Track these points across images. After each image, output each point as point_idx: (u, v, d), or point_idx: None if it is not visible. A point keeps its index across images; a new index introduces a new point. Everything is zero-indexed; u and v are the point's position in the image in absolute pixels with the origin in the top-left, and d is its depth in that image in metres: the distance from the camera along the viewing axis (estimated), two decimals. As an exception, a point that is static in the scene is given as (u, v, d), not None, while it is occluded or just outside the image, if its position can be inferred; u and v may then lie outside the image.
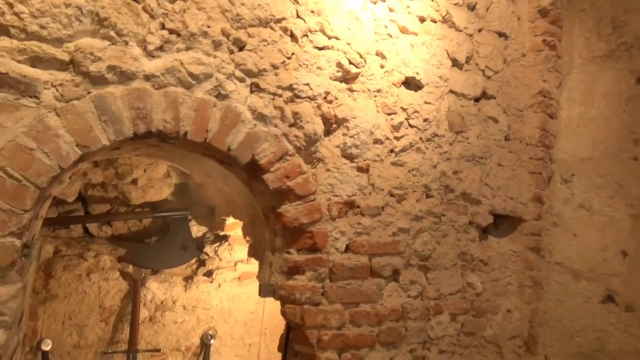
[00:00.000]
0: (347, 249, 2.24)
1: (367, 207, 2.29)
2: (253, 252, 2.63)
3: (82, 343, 3.02)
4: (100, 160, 3.24)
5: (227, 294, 3.35)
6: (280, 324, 3.56)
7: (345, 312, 2.23)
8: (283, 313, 2.20)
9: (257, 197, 2.33)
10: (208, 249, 3.45)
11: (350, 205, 2.26)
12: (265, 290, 2.24)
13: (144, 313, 3.16)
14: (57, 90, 1.72)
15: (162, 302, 3.21)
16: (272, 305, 3.49)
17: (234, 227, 3.29)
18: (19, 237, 1.70)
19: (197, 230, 3.56)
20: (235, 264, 3.43)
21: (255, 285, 3.45)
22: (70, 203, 3.34)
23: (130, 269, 3.20)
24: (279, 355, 3.56)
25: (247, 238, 2.77)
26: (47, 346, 2.85)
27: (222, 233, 3.41)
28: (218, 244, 3.46)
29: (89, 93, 1.75)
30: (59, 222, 3.20)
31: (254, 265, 3.44)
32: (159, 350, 3.13)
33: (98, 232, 3.45)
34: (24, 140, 1.68)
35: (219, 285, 3.34)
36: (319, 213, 2.18)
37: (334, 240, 2.21)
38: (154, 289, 3.19)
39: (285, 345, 2.31)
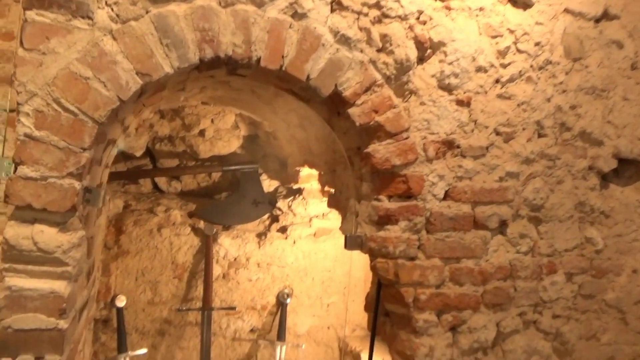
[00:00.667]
0: (447, 195, 1.92)
1: (468, 147, 1.95)
2: (334, 202, 2.35)
3: (156, 300, 2.92)
4: (166, 111, 3.06)
5: (303, 251, 3.13)
6: (360, 284, 3.33)
7: (444, 268, 1.93)
8: (373, 268, 1.93)
9: (340, 137, 2.03)
10: (281, 203, 3.23)
11: (449, 144, 1.92)
12: (352, 242, 1.96)
13: (217, 270, 3.01)
14: (112, 9, 1.50)
15: (235, 259, 3.04)
16: (352, 262, 3.24)
17: (308, 179, 3.03)
18: (78, 179, 1.51)
19: (268, 184, 3.34)
20: (310, 220, 3.19)
21: (332, 242, 3.22)
22: (138, 158, 3.21)
23: (201, 224, 3.05)
24: (360, 315, 3.35)
25: (326, 188, 2.50)
26: (121, 302, 2.77)
27: (295, 186, 3.17)
28: (291, 198, 3.22)
29: (147, 12, 1.54)
30: (127, 176, 3.07)
31: (330, 221, 3.18)
32: (234, 309, 2.98)
33: (167, 188, 3.32)
34: (79, 67, 1.47)
35: (294, 242, 3.12)
36: (413, 153, 1.86)
37: (431, 185, 1.89)
38: (227, 245, 3.02)
39: (375, 304, 2.04)
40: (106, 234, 2.81)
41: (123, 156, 3.16)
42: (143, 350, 2.86)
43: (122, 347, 2.75)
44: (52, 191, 1.48)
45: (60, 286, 1.52)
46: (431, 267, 1.91)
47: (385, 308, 2.03)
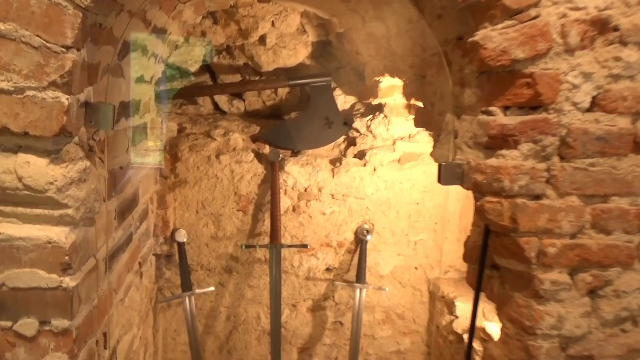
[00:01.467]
0: (594, 104, 1.31)
1: (632, 28, 1.27)
2: (423, 120, 1.79)
3: (219, 234, 2.63)
4: (218, 15, 2.57)
5: (385, 181, 2.63)
6: (454, 219, 2.79)
7: (585, 209, 1.35)
8: (480, 209, 1.40)
9: (433, 25, 1.43)
10: (358, 123, 2.70)
11: (602, 25, 1.27)
12: (449, 173, 1.43)
13: (285, 202, 2.62)
14: None
15: (306, 190, 2.62)
16: (446, 193, 2.69)
17: (390, 91, 2.45)
18: (65, 91, 1.09)
19: (343, 101, 2.81)
20: (393, 143, 2.65)
21: (420, 169, 2.68)
22: (196, 75, 2.80)
23: (265, 149, 2.63)
24: (454, 255, 2.84)
25: (413, 101, 1.93)
26: (182, 237, 2.50)
27: (375, 102, 2.60)
28: (371, 117, 2.68)
29: None
30: (183, 94, 2.69)
31: (418, 144, 2.62)
32: (306, 247, 2.61)
33: (229, 108, 2.91)
34: None
35: (374, 170, 2.62)
36: (545, 41, 1.26)
37: (570, 89, 1.30)
38: (295, 173, 2.59)
39: (482, 255, 1.52)
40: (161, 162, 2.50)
41: (180, 73, 2.77)
42: (210, 288, 2.62)
43: (186, 285, 2.52)
44: (33, 108, 1.09)
45: (60, 234, 1.17)
46: (565, 209, 1.33)
47: (495, 261, 1.50)
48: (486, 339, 2.25)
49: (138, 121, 1.89)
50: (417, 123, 1.87)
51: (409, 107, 2.53)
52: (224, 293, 2.72)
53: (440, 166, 1.43)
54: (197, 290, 2.58)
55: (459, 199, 2.71)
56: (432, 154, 1.63)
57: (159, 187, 2.45)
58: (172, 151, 2.51)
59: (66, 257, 1.17)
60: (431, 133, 1.69)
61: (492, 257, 1.57)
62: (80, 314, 1.26)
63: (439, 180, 1.44)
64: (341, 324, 2.84)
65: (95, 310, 1.39)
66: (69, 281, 1.19)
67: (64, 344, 1.22)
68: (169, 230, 2.50)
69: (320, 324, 2.83)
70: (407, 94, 1.98)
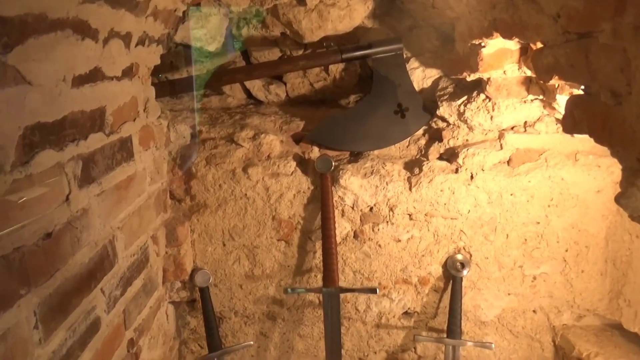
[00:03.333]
0: None
1: None
2: (587, 119, 0.94)
3: (256, 272, 1.94)
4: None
5: (488, 192, 1.79)
6: (595, 245, 1.87)
7: None
8: None
9: None
10: (445, 109, 1.86)
11: None
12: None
13: (344, 227, 1.87)
14: None
15: (371, 209, 1.85)
16: (585, 208, 1.81)
17: (499, 61, 1.55)
18: None
19: (422, 76, 1.98)
20: (500, 136, 1.78)
21: (542, 173, 1.77)
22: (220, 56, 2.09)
23: (313, 153, 1.88)
24: (593, 295, 1.93)
25: (556, 79, 1.08)
26: (205, 281, 1.84)
27: (472, 77, 1.72)
28: (465, 99, 1.82)
29: None
30: (207, 83, 1.98)
31: (537, 137, 1.74)
32: (375, 292, 1.84)
33: (266, 95, 2.17)
34: None
35: (471, 177, 1.78)
36: None
37: None
38: (356, 187, 1.82)
39: None
40: (171, 180, 1.82)
41: (200, 53, 2.07)
42: (249, 343, 1.96)
43: (214, 343, 1.87)
44: None
45: None
46: None
47: None
48: None
49: (101, 142, 1.20)
50: (570, 126, 1.01)
51: (532, 84, 1.64)
52: (268, 345, 2.05)
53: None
54: (232, 347, 1.93)
55: (604, 215, 1.81)
56: (620, 201, 0.79)
57: (170, 216, 1.79)
58: (184, 164, 1.83)
59: None
60: (607, 151, 0.85)
61: None
62: None
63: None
64: (427, 382, 2.09)
65: None
66: None
67: None
68: (186, 274, 1.84)
69: (398, 382, 2.10)
70: (544, 68, 1.11)
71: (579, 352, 1.83)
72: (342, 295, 1.90)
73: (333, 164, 1.80)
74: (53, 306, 0.98)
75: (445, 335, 1.87)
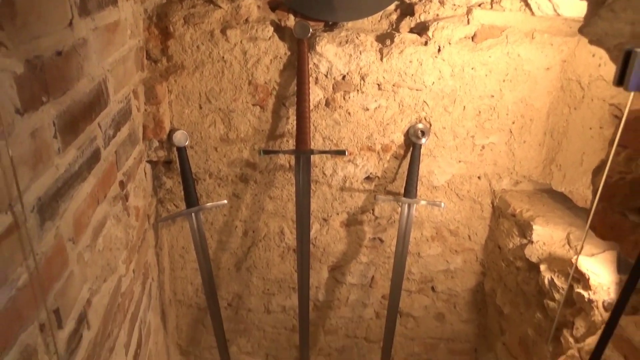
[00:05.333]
0: None
1: None
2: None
3: (231, 136, 2.04)
4: None
5: (452, 66, 1.93)
6: (539, 118, 2.09)
7: None
8: None
9: None
10: (417, -17, 1.93)
11: None
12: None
13: (316, 94, 1.98)
14: None
15: (344, 78, 1.96)
16: (533, 83, 2.00)
17: None
18: None
19: (396, -51, 2.01)
20: (468, 11, 1.89)
21: (502, 49, 1.91)
22: None
23: (290, 21, 1.92)
24: (531, 163, 2.20)
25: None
26: (182, 141, 1.93)
27: (445, -51, 1.80)
28: (436, -28, 1.90)
29: None
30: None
31: (502, 14, 1.87)
32: (344, 153, 2.02)
33: (239, -39, 2.13)
34: None
35: (439, 50, 1.91)
36: None
37: None
38: (331, 55, 1.90)
39: None
40: (147, 38, 1.83)
41: None
42: (222, 202, 2.10)
43: (190, 200, 2.00)
44: None
45: None
46: None
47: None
48: (578, 277, 1.74)
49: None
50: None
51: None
52: (240, 206, 2.21)
53: (629, 55, 0.75)
54: (206, 205, 2.07)
55: (550, 91, 2.02)
56: (585, 31, 0.94)
57: (147, 75, 1.82)
58: (161, 24, 1.82)
59: None
60: (561, 31, 0.98)
61: (637, 201, 0.98)
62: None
63: (623, 82, 0.78)
64: (381, 240, 2.35)
65: (25, 292, 0.86)
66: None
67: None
68: (165, 132, 1.91)
69: (356, 240, 2.35)
70: None
71: (513, 209, 2.12)
72: (311, 160, 2.05)
73: (311, 30, 1.86)
74: (66, 123, 1.05)
75: (402, 196, 2.10)
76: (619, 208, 1.11)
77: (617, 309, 1.00)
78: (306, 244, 2.09)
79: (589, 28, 0.89)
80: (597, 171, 1.14)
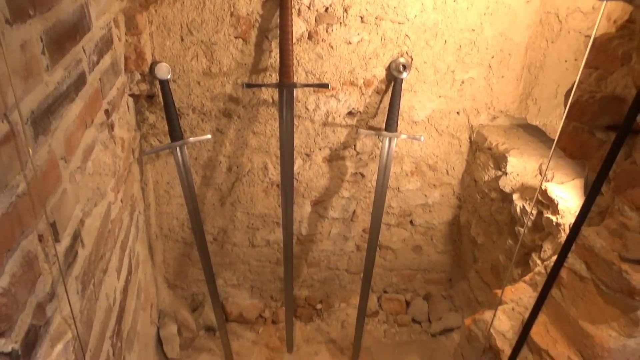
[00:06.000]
0: None
1: None
2: None
3: (213, 69, 2.03)
4: None
5: (432, -3, 1.94)
6: (517, 53, 2.13)
7: None
8: None
9: None
10: None
11: None
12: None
13: (299, 27, 1.97)
14: None
15: (326, 10, 1.95)
16: (514, 17, 2.03)
17: None
18: None
19: None
20: (450, -59, 1.89)
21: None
22: None
23: (271, -51, 1.89)
24: (508, 98, 2.26)
25: None
26: (165, 74, 1.92)
27: None
28: None
29: None
30: None
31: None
32: (326, 86, 2.04)
33: None
34: None
35: (420, -19, 1.91)
36: None
37: None
38: (312, -15, 1.89)
39: (630, 114, 0.98)
40: (125, -34, 1.78)
41: None
42: (206, 137, 2.12)
43: (175, 133, 2.01)
44: None
45: None
46: None
47: (611, 121, 0.97)
48: (546, 203, 1.84)
49: None
50: None
51: None
52: (224, 141, 2.24)
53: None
54: (190, 139, 2.09)
55: (529, 25, 2.05)
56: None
57: (126, 5, 1.78)
58: (138, -51, 1.77)
59: None
60: None
61: (606, 117, 1.05)
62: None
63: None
64: (362, 175, 2.42)
65: (24, 199, 0.90)
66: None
67: (-32, 264, 0.76)
68: (147, 64, 1.90)
69: (338, 175, 2.42)
70: None
71: (489, 143, 2.20)
72: (295, 93, 2.07)
73: (292, -42, 1.83)
74: (53, 40, 1.05)
75: (383, 130, 2.15)
76: (587, 127, 1.18)
77: (580, 216, 1.09)
78: (289, 179, 2.14)
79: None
80: (569, 93, 1.20)
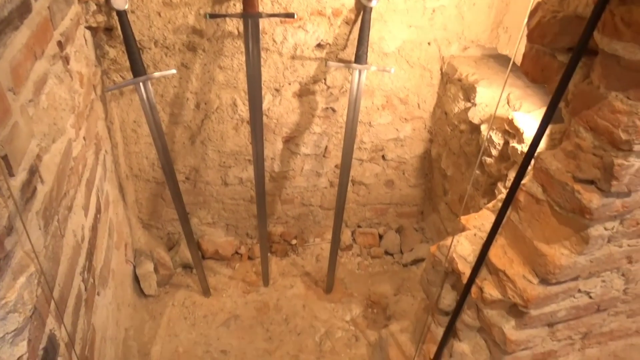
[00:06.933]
0: None
1: None
2: None
3: (174, -1, 1.94)
4: None
5: None
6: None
7: None
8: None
9: None
10: None
11: None
12: None
13: (261, -49, 1.88)
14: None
15: None
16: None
17: None
18: None
19: None
20: None
21: None
22: None
23: None
24: (480, 27, 2.21)
25: None
26: (121, 4, 1.81)
27: None
28: None
29: None
30: None
31: None
32: (292, 16, 1.96)
33: None
34: None
35: None
36: None
37: None
38: None
39: (586, 32, 0.97)
40: None
41: None
42: (171, 71, 2.05)
43: (137, 68, 1.94)
44: None
45: None
46: None
47: (570, 42, 0.96)
48: (511, 132, 1.86)
49: None
50: None
51: None
52: (189, 76, 2.17)
53: None
54: (154, 74, 2.02)
55: (500, -52, 1.98)
56: None
57: None
58: None
59: None
60: None
61: (567, 38, 1.04)
62: None
63: None
64: (333, 110, 2.40)
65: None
66: None
67: None
68: (101, -7, 1.79)
69: (308, 110, 2.39)
70: None
71: (460, 74, 2.19)
72: (261, 25, 1.99)
73: None
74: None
75: (353, 61, 2.11)
76: (549, 49, 1.17)
77: (535, 139, 1.10)
78: (259, 115, 2.10)
79: None
80: (533, 13, 1.18)
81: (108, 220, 2.00)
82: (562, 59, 1.16)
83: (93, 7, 1.83)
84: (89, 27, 1.89)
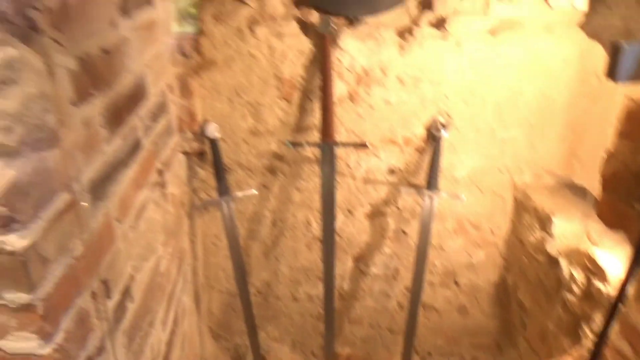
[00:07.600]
0: None
1: None
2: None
3: (260, 128, 2.15)
4: None
5: (471, 59, 1.99)
6: (559, 111, 2.13)
7: None
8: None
9: None
10: (439, -20, 2.00)
11: None
12: (634, 60, 0.82)
13: (340, 88, 2.07)
14: None
15: (366, 72, 2.04)
16: (553, 76, 2.04)
17: None
18: None
19: (418, -52, 2.08)
20: (486, 5, 1.95)
21: (521, 43, 1.98)
22: None
23: (313, 18, 2.01)
24: (552, 157, 2.22)
25: None
26: (214, 133, 2.05)
27: (466, -53, 1.86)
28: (457, -31, 1.96)
29: None
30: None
31: (519, 6, 1.92)
32: (365, 145, 2.10)
33: (267, -37, 2.24)
34: None
35: (458, 44, 1.97)
36: None
37: None
38: (353, 50, 1.99)
39: None
40: (179, 36, 1.95)
41: None
42: (252, 191, 2.21)
43: (222, 189, 2.12)
44: None
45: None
46: None
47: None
48: (593, 270, 1.77)
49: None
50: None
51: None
52: (268, 196, 2.32)
53: (617, 49, 0.82)
54: (237, 194, 2.19)
55: (568, 84, 2.05)
56: (584, 26, 1.00)
57: (180, 70, 1.94)
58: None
59: (1, 208, 0.73)
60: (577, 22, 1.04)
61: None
62: (48, 278, 0.86)
63: (612, 74, 0.84)
64: (404, 232, 2.43)
65: (80, 261, 0.99)
66: (15, 241, 0.77)
67: (28, 322, 0.84)
68: (197, 125, 2.04)
69: (379, 232, 2.43)
70: None
71: (534, 203, 2.16)
72: (335, 153, 2.14)
73: (333, 26, 1.95)
74: (112, 114, 1.18)
75: (424, 188, 2.17)
76: (625, 198, 1.16)
77: (621, 292, 1.06)
78: (331, 234, 2.18)
79: (586, 23, 0.95)
80: (606, 162, 1.19)
81: (182, 332, 2.06)
82: (637, 207, 1.14)
83: (190, 135, 2.06)
84: (184, 152, 2.12)
